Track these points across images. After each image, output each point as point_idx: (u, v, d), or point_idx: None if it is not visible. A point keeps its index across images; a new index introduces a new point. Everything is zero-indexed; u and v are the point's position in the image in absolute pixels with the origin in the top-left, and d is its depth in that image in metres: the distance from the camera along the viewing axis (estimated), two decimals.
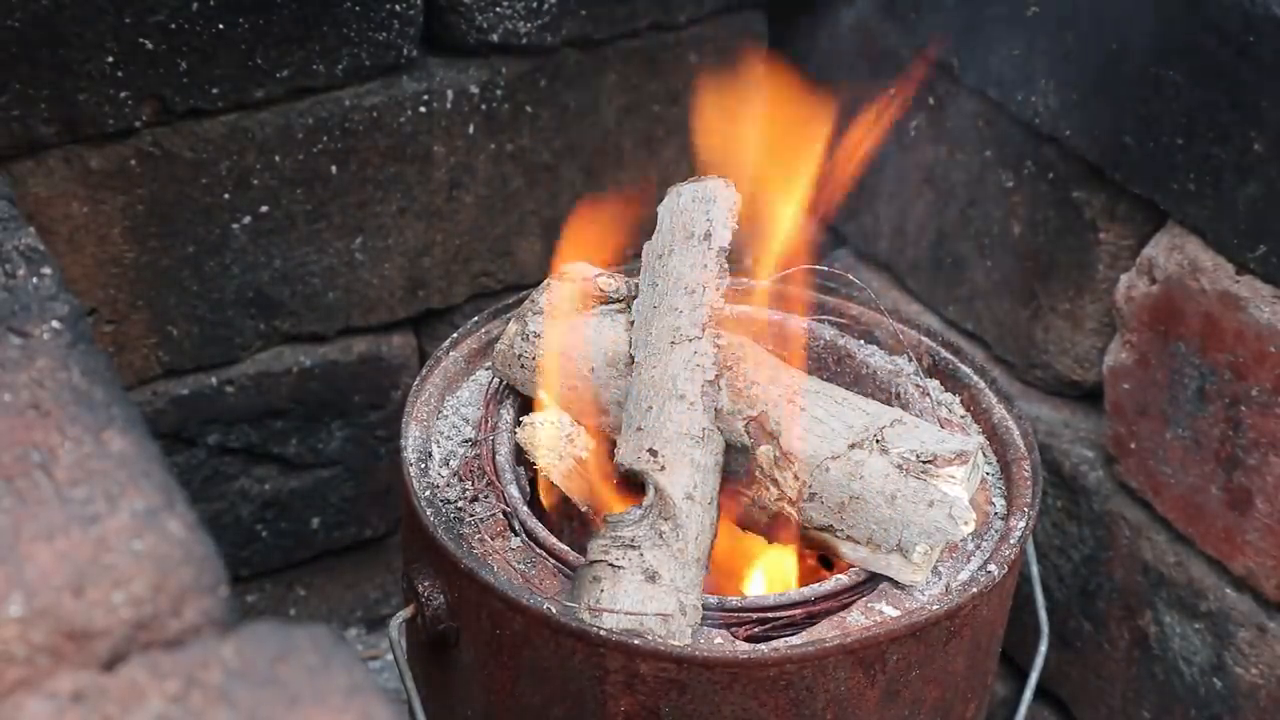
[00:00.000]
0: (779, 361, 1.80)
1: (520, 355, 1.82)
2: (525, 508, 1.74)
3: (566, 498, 1.80)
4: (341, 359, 2.31)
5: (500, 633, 1.65)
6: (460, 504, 1.75)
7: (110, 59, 1.96)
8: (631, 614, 1.57)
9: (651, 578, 1.59)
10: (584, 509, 1.79)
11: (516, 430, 1.79)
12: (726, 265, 1.78)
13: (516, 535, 1.72)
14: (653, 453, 1.65)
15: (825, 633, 1.64)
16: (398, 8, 2.11)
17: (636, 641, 1.57)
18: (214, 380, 2.24)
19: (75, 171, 2.02)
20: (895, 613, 1.66)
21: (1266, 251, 1.83)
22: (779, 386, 1.74)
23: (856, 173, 2.01)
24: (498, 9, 2.17)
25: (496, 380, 1.87)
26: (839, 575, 1.70)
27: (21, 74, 1.92)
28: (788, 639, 1.63)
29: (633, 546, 1.60)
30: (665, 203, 1.84)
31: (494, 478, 1.77)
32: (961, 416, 1.94)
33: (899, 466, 1.67)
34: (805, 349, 1.95)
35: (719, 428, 1.70)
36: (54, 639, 1.04)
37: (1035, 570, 2.01)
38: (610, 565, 1.59)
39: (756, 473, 1.71)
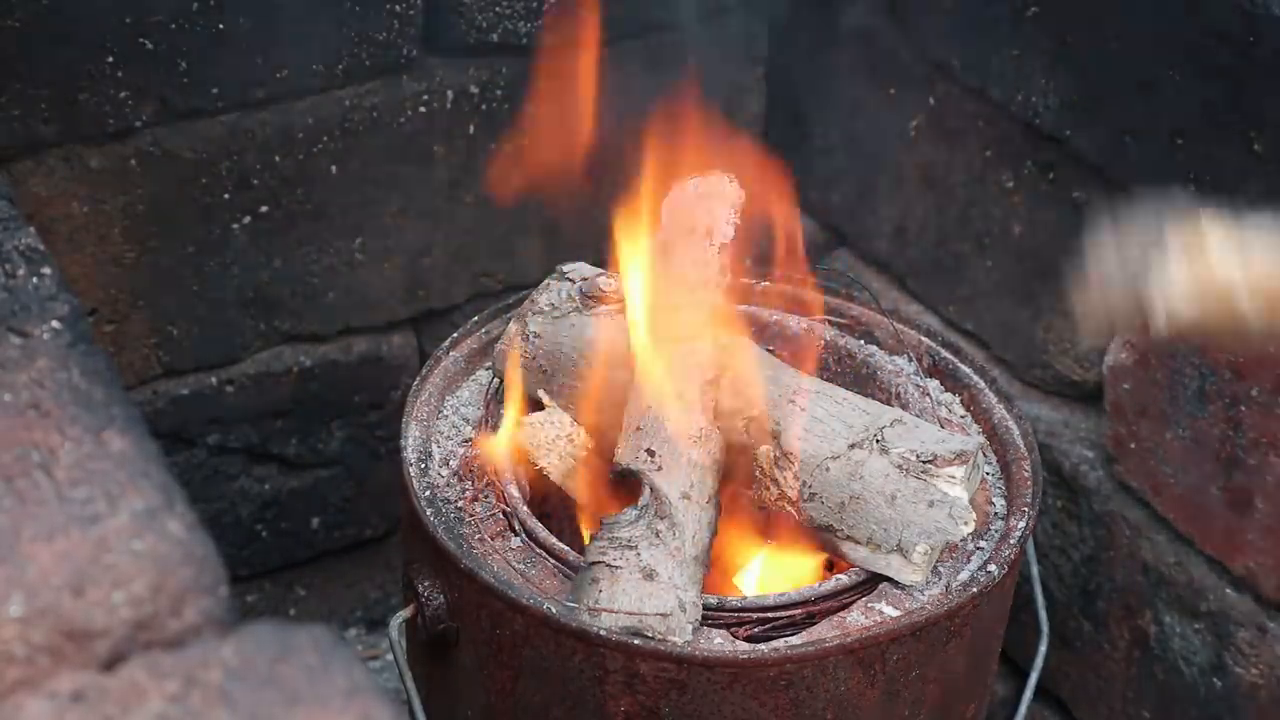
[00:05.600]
0: (779, 361, 1.80)
1: (520, 355, 1.82)
2: (525, 508, 1.74)
3: (566, 496, 1.80)
4: (341, 359, 2.31)
5: (500, 633, 1.65)
6: (460, 504, 1.75)
7: (110, 59, 1.96)
8: (630, 613, 1.57)
9: (649, 576, 1.59)
10: (584, 509, 1.79)
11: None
12: (727, 263, 1.78)
13: (516, 535, 1.72)
14: (650, 453, 1.65)
15: (825, 633, 1.64)
16: (398, 8, 2.11)
17: (636, 641, 1.57)
18: (214, 380, 2.24)
19: (75, 171, 2.02)
20: (895, 613, 1.66)
21: None
22: (779, 386, 1.74)
23: None
24: (498, 9, 2.17)
25: (496, 380, 1.87)
26: (839, 575, 1.70)
27: (21, 74, 1.92)
28: (788, 639, 1.63)
29: (629, 546, 1.60)
30: (667, 199, 1.84)
31: (494, 478, 1.76)
32: (961, 416, 1.94)
33: (899, 466, 1.67)
34: (817, 351, 1.95)
35: (719, 427, 1.70)
36: (54, 639, 1.04)
37: (1035, 570, 2.01)
38: (607, 566, 1.59)
39: (756, 473, 1.71)
